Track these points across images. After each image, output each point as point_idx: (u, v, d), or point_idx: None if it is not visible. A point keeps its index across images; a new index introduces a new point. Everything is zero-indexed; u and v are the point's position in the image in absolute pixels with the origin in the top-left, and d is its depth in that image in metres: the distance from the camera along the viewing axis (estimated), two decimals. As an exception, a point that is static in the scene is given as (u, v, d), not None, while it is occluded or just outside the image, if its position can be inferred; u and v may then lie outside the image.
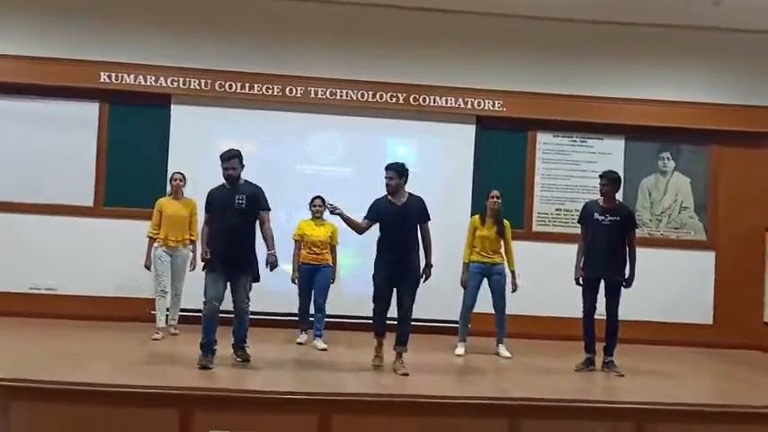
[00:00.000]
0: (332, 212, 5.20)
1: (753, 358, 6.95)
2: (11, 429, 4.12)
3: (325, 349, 5.90)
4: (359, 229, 5.27)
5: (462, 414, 4.40)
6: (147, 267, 6.29)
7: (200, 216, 5.68)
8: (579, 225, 5.80)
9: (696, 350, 7.03)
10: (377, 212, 5.21)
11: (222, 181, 5.15)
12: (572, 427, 4.44)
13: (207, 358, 4.92)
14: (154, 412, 4.22)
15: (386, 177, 5.19)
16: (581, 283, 5.59)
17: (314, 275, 6.12)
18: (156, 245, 6.22)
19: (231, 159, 5.08)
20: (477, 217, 6.19)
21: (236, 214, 5.06)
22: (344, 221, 5.25)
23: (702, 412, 4.61)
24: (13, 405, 4.15)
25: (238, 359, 5.18)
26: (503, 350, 6.07)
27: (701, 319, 7.51)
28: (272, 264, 5.08)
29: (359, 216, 5.28)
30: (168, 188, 6.52)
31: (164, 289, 6.19)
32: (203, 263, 5.13)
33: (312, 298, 6.17)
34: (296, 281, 6.19)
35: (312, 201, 6.24)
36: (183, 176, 6.31)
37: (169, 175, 6.57)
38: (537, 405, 4.49)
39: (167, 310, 6.24)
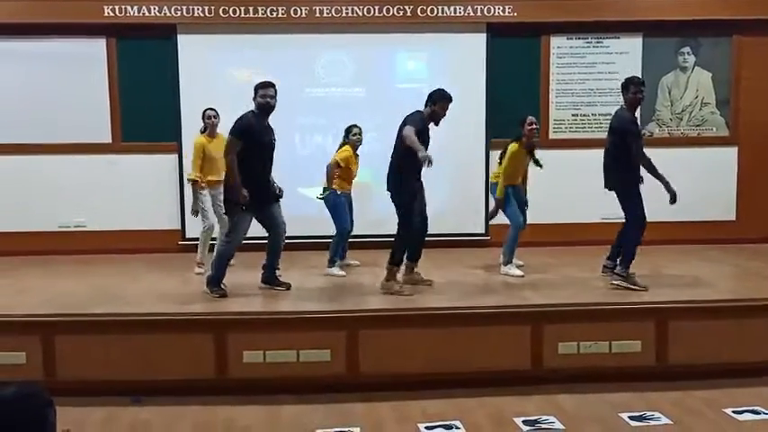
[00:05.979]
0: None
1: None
2: (55, 363, 4.35)
3: (343, 275, 5.77)
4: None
5: (484, 323, 4.53)
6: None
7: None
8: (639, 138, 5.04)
9: (720, 247, 7.00)
10: (422, 133, 4.92)
11: (243, 110, 4.94)
12: (594, 329, 4.55)
13: (222, 289, 4.98)
14: (190, 337, 4.42)
15: (446, 110, 5.03)
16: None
17: (351, 205, 6.02)
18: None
19: (269, 87, 4.88)
20: (518, 146, 5.63)
21: (272, 152, 5.03)
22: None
23: (726, 308, 4.67)
24: (56, 339, 4.36)
25: (281, 288, 5.17)
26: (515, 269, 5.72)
27: (724, 216, 7.46)
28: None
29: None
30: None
31: (211, 225, 5.90)
32: (238, 204, 4.81)
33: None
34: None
35: (350, 130, 5.92)
36: (217, 113, 5.89)
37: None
38: (558, 310, 4.59)
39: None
